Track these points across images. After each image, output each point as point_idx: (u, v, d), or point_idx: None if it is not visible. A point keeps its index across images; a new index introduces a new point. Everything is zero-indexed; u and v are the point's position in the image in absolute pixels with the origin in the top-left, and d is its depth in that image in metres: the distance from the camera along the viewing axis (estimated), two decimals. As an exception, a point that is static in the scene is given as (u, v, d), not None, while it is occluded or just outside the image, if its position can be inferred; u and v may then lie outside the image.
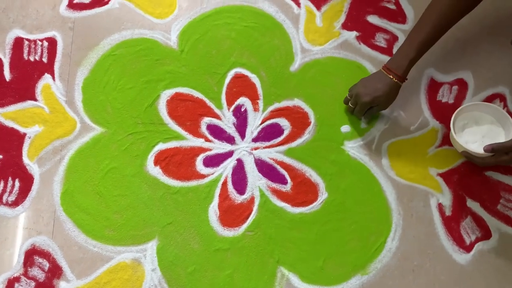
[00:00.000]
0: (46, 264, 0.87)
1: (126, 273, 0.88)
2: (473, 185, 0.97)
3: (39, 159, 0.94)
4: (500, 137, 0.94)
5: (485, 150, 0.87)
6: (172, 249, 0.90)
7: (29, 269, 0.87)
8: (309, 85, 1.03)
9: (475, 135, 0.95)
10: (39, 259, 0.87)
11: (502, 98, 1.04)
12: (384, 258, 0.92)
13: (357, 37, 1.07)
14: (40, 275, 0.86)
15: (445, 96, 1.04)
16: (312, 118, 1.01)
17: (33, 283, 0.86)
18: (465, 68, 1.06)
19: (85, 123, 0.97)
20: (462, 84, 1.05)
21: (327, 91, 1.03)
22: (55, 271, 0.87)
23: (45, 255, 0.88)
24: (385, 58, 1.05)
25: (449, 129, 0.99)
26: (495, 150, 0.86)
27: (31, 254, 0.88)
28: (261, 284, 0.89)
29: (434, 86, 1.04)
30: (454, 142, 0.94)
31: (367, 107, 0.95)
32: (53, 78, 0.99)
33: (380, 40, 1.07)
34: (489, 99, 1.03)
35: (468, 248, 0.93)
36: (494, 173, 0.98)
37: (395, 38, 1.08)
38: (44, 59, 1.00)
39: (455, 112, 0.94)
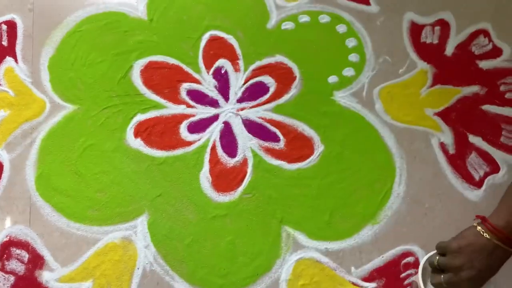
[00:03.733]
0: (25, 255, 0.78)
1: (116, 253, 0.80)
2: (472, 120, 0.93)
3: (8, 145, 0.86)
4: None
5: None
6: (164, 222, 0.82)
7: (6, 263, 0.77)
8: (289, 40, 0.98)
9: None
10: (16, 251, 0.78)
11: (486, 33, 1.01)
12: (393, 204, 0.86)
13: (331, -10, 1.04)
14: (20, 268, 0.77)
15: (429, 37, 1.01)
16: (296, 73, 0.96)
17: (12, 278, 0.76)
18: (444, 8, 1.03)
19: (54, 102, 0.89)
20: (443, 24, 1.02)
21: (308, 44, 0.98)
22: (36, 261, 0.78)
23: (23, 245, 0.79)
24: (363, 8, 1.02)
25: (437, 68, 0.96)
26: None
27: (7, 246, 0.78)
28: (267, 246, 0.82)
29: (416, 29, 1.01)
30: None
31: None
32: (16, 60, 0.92)
33: (355, -10, 1.05)
34: (473, 35, 1.01)
35: (478, 184, 0.88)
36: (491, 106, 0.94)
37: (369, -13, 1.05)
38: (4, 43, 0.93)
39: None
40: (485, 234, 0.64)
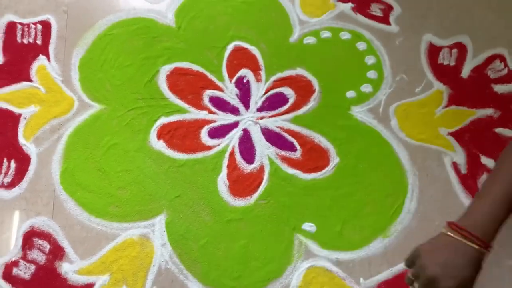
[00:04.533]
0: (47, 246, 0.81)
1: (134, 250, 0.82)
2: (485, 142, 0.95)
3: (36, 139, 0.89)
4: None
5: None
6: (182, 222, 0.85)
7: (28, 252, 0.80)
8: (310, 54, 1.01)
9: None
10: (39, 241, 0.81)
11: (502, 58, 1.04)
12: (404, 219, 0.88)
13: (353, 8, 1.07)
14: (41, 258, 0.80)
15: (446, 59, 1.04)
16: (316, 86, 0.99)
17: (33, 267, 0.79)
18: (462, 32, 1.06)
19: (83, 101, 0.93)
20: (461, 47, 1.05)
21: (329, 59, 1.01)
22: (56, 253, 0.81)
23: (45, 236, 0.82)
24: (383, 27, 1.06)
25: (453, 89, 0.99)
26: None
27: (30, 236, 0.81)
28: (279, 252, 0.84)
29: (433, 50, 1.04)
30: None
31: None
32: (48, 59, 0.95)
33: (376, 10, 1.08)
34: (490, 59, 1.03)
35: None
36: (504, 129, 0.96)
37: (390, 7, 1.08)
38: (39, 41, 0.97)
39: None
40: (448, 232, 0.64)
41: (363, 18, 1.07)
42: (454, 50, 1.04)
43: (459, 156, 0.94)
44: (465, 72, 1.02)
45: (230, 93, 0.97)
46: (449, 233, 0.63)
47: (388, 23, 1.06)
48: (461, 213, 0.57)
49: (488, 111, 0.98)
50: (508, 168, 0.64)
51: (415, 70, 1.02)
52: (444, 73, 1.02)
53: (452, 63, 1.03)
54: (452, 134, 0.96)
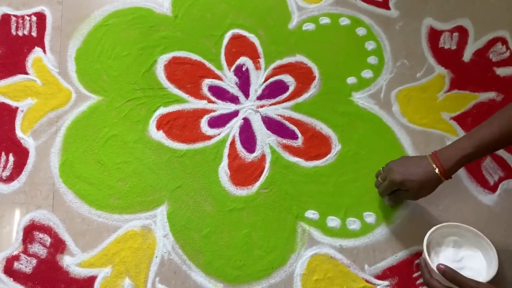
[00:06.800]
0: (48, 239, 0.80)
1: (136, 241, 0.81)
2: (487, 126, 0.94)
3: (34, 132, 0.88)
4: (479, 266, 0.77)
5: (437, 268, 0.72)
6: (183, 212, 0.84)
7: (29, 246, 0.79)
8: (309, 40, 1.00)
9: (453, 255, 0.78)
10: (39, 235, 0.80)
11: (503, 41, 1.02)
12: (407, 205, 0.87)
13: (352, -7, 1.06)
14: (42, 251, 0.79)
15: (447, 43, 1.02)
16: (316, 72, 0.97)
17: (34, 260, 0.78)
18: (463, 15, 1.05)
19: (80, 92, 0.92)
20: (462, 31, 1.03)
21: (328, 45, 1.00)
22: (58, 246, 0.80)
23: (46, 229, 0.81)
24: (383, 12, 1.04)
25: (455, 73, 0.98)
26: (446, 275, 0.70)
27: (31, 230, 0.80)
28: (282, 241, 0.83)
29: (434, 34, 1.03)
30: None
31: (395, 187, 0.80)
32: (44, 51, 0.94)
33: (375, -6, 1.06)
34: (491, 42, 1.02)
35: (492, 188, 0.89)
36: (507, 113, 0.95)
37: (389, -9, 1.07)
38: (33, 33, 0.95)
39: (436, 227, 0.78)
40: (426, 154, 0.80)
41: (362, 3, 1.05)
42: (455, 34, 1.03)
43: (462, 141, 0.93)
44: (467, 55, 1.01)
45: (229, 82, 0.96)
46: (426, 154, 0.80)
47: (388, 8, 1.05)
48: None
49: (491, 95, 0.97)
50: (500, 120, 0.76)
51: (416, 54, 1.01)
52: (445, 57, 1.00)
53: (453, 47, 1.02)
54: (454, 118, 0.95)
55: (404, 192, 0.81)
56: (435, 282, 0.72)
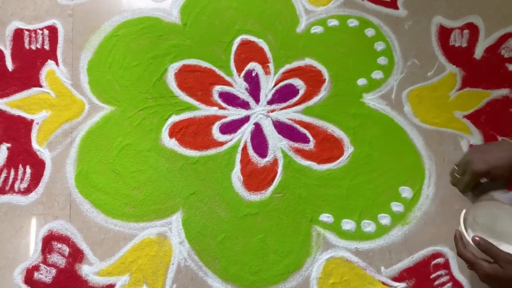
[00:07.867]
0: (66, 249, 0.81)
1: (152, 249, 0.82)
2: (501, 123, 0.93)
3: (49, 144, 0.90)
4: None
5: (472, 239, 0.71)
6: (198, 219, 0.85)
7: (48, 256, 0.81)
8: (318, 43, 1.00)
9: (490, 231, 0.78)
10: (58, 245, 0.82)
11: (515, 36, 1.02)
12: (422, 205, 0.87)
13: (359, -6, 1.06)
14: (61, 261, 0.80)
15: (458, 40, 1.02)
16: (326, 75, 0.97)
17: (54, 270, 0.80)
18: (473, 12, 1.04)
19: (93, 103, 0.93)
20: (472, 28, 1.02)
21: (337, 47, 1.00)
22: (76, 255, 0.81)
23: (64, 239, 0.82)
24: (391, 12, 1.04)
25: (466, 71, 0.97)
26: (481, 247, 0.70)
27: (49, 240, 0.82)
28: (297, 245, 0.83)
29: (444, 32, 1.02)
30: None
31: (479, 178, 0.77)
32: (57, 63, 0.96)
33: (383, -6, 1.06)
34: (502, 38, 1.01)
35: (510, 187, 0.88)
36: (521, 109, 0.94)
37: (397, -9, 1.07)
38: (46, 47, 0.97)
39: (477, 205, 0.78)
40: (504, 138, 0.77)
41: (370, 4, 1.05)
42: (466, 31, 1.02)
43: (476, 138, 0.92)
44: (478, 52, 1.00)
45: (239, 88, 0.96)
46: (505, 138, 0.76)
47: (396, 8, 1.05)
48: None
49: (504, 91, 0.96)
50: None
51: (426, 53, 1.00)
52: (456, 55, 0.99)
53: (464, 45, 1.01)
54: (467, 116, 0.94)
55: (490, 184, 0.78)
56: (469, 253, 0.71)
